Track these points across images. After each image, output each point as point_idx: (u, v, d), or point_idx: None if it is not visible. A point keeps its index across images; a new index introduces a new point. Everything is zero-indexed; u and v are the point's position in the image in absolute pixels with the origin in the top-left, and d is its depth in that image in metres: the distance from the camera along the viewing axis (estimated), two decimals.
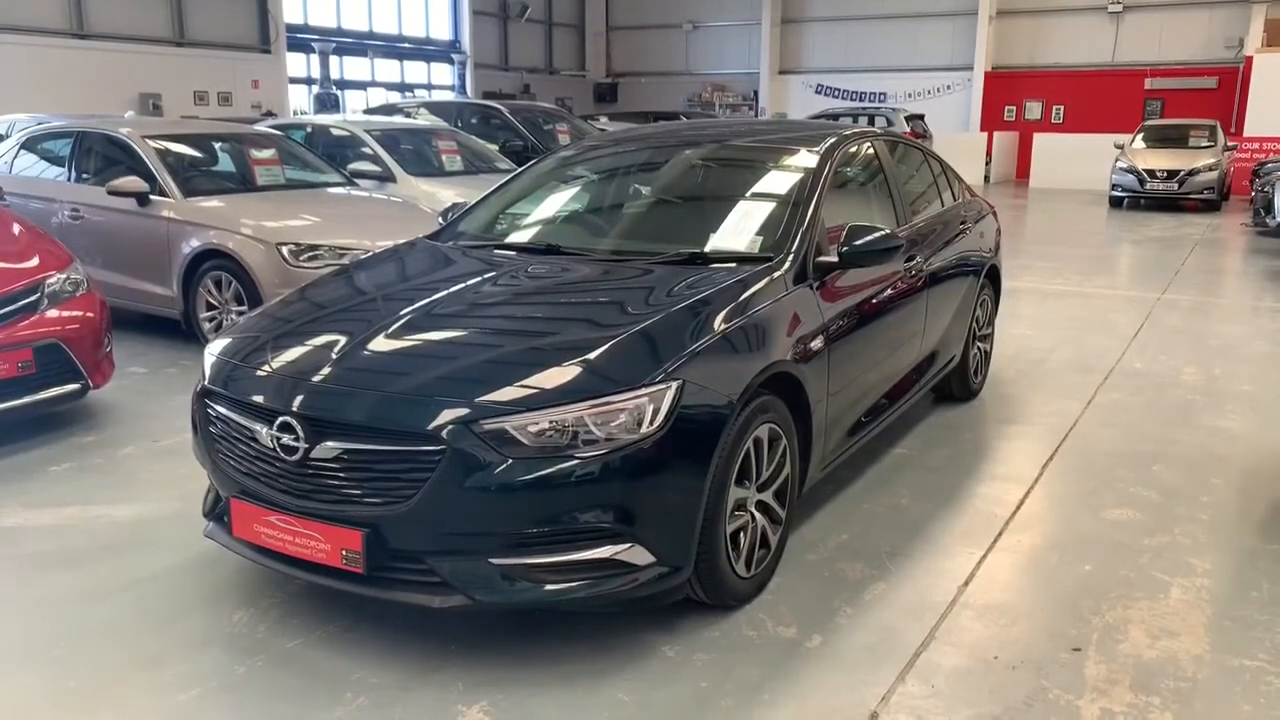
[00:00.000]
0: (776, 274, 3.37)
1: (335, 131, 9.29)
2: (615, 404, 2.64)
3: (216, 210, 6.43)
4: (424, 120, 10.84)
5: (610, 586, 2.69)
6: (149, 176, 6.54)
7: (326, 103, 20.81)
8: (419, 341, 3.01)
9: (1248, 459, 4.58)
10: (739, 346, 3.03)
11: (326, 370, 2.84)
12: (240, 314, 6.14)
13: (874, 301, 3.88)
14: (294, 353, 3.01)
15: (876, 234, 3.57)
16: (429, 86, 25.59)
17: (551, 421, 2.60)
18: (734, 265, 3.43)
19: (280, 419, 2.75)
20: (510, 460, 2.58)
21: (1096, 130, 21.66)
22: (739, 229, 3.71)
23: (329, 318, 3.31)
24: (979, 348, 5.42)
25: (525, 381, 2.71)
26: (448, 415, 2.61)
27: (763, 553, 3.18)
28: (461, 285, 3.37)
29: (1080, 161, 20.82)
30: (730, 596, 3.06)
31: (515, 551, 2.65)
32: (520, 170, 4.57)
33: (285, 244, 6.06)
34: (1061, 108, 24.40)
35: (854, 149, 4.26)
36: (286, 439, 2.73)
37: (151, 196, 6.48)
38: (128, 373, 5.89)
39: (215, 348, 3.21)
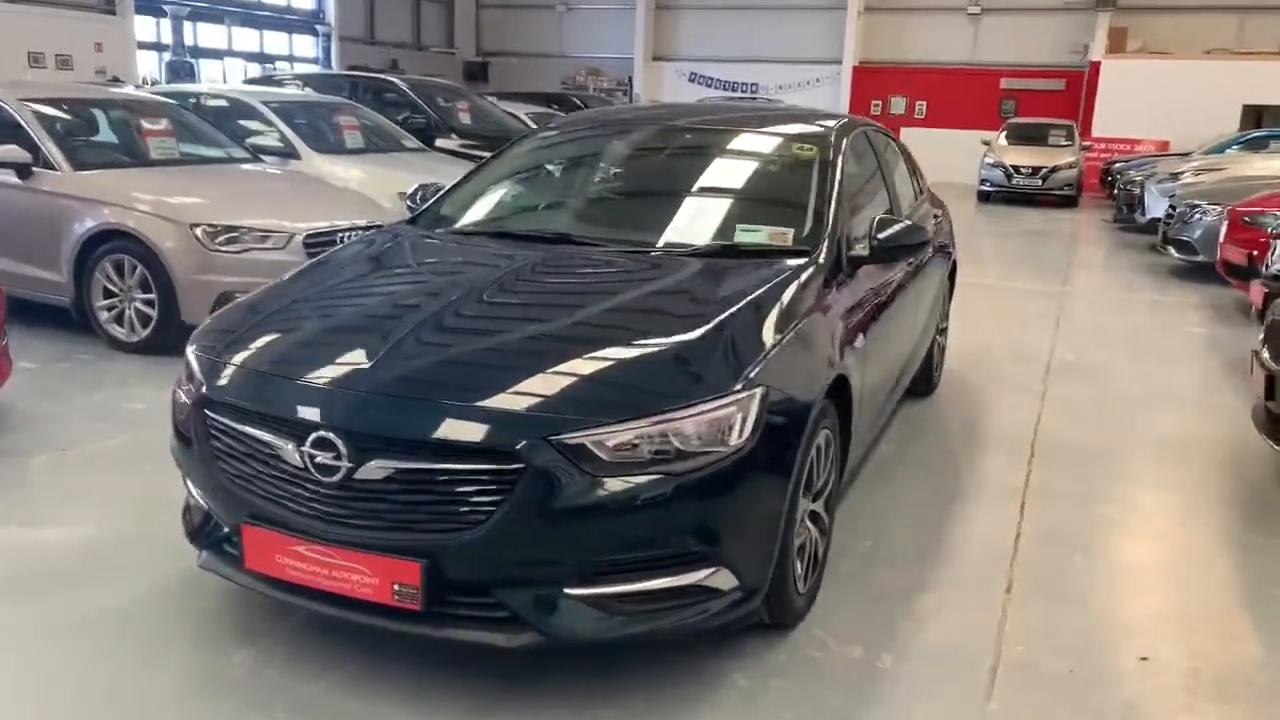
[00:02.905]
0: (818, 269, 3.18)
1: (223, 102, 8.53)
2: (703, 414, 2.38)
3: (114, 186, 5.73)
4: (310, 95, 10.12)
5: (693, 615, 2.45)
6: (31, 146, 5.78)
7: (180, 72, 19.37)
8: (465, 344, 2.66)
9: (1212, 449, 4.72)
10: (806, 348, 2.83)
11: (369, 377, 2.46)
12: (149, 302, 5.51)
13: (889, 294, 3.76)
14: (320, 356, 2.61)
15: (904, 226, 3.45)
16: (290, 59, 24.22)
17: (636, 435, 2.33)
18: (770, 259, 3.22)
19: (315, 434, 2.36)
20: (593, 478, 2.29)
21: (956, 126, 22.58)
22: (765, 220, 3.49)
23: (342, 315, 2.91)
24: (937, 340, 5.41)
25: (602, 390, 2.43)
26: (527, 429, 2.30)
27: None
28: (485, 279, 3.01)
29: (944, 155, 21.46)
30: (791, 615, 2.86)
31: (594, 580, 2.36)
32: (498, 152, 4.21)
33: (199, 224, 5.46)
34: (924, 103, 25.25)
35: (857, 138, 4.11)
36: (323, 457, 2.35)
37: (34, 169, 5.73)
38: (15, 368, 5.19)
39: (209, 347, 2.77)
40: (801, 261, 3.19)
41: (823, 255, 3.26)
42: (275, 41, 24.02)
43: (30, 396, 4.86)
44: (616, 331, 2.70)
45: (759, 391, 2.49)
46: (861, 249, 3.41)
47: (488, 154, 9.25)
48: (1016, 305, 8.30)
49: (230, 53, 22.55)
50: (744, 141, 4.03)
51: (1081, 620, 3.08)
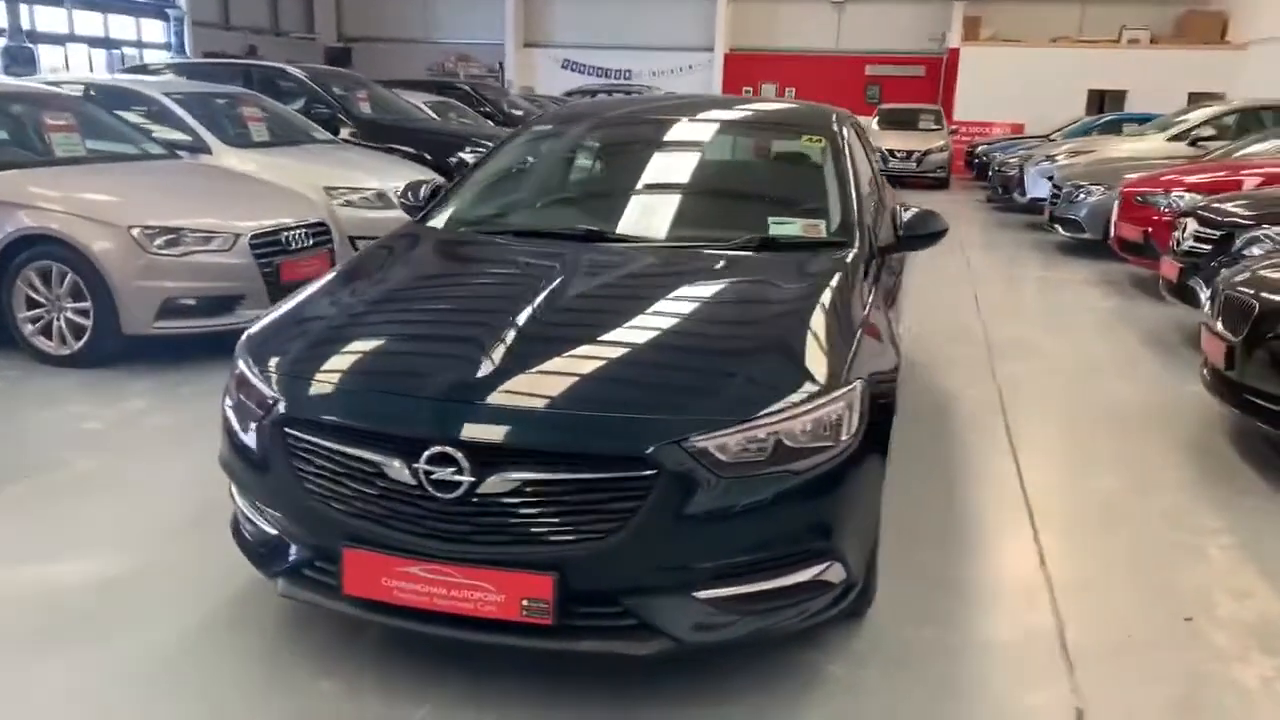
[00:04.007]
0: (862, 259, 3.25)
1: (110, 92, 7.93)
2: (820, 410, 2.40)
3: (26, 187, 5.27)
4: (208, 85, 9.53)
5: (809, 611, 2.47)
6: None
7: (20, 58, 17.91)
8: (564, 349, 2.58)
9: (1173, 415, 5.05)
10: (878, 337, 2.88)
11: (483, 388, 2.36)
12: (81, 312, 5.11)
13: (896, 281, 3.86)
14: (418, 368, 2.49)
15: (925, 215, 3.55)
16: (139, 45, 22.78)
17: (762, 433, 2.32)
18: (812, 251, 3.27)
19: (432, 450, 2.26)
20: (722, 479, 2.28)
21: None
22: (789, 211, 3.52)
23: (417, 323, 2.77)
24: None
25: (723, 391, 2.41)
26: (658, 433, 2.26)
27: None
28: (548, 281, 2.91)
29: None
30: (867, 602, 2.92)
31: (721, 583, 2.35)
32: (498, 146, 4.08)
33: (137, 227, 5.09)
34: (793, 89, 25.83)
35: (850, 125, 4.19)
36: (441, 473, 2.25)
37: None
38: None
39: (280, 362, 2.59)
40: (849, 253, 3.25)
41: (863, 245, 3.32)
42: (121, 26, 22.53)
43: None
44: (710, 329, 2.68)
45: (859, 384, 2.52)
46: (887, 237, 3.49)
47: (405, 147, 9.10)
48: (931, 286, 8.62)
49: (72, 38, 21.02)
50: (753, 133, 4.05)
51: (1120, 589, 3.25)
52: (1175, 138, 11.90)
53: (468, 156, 9.32)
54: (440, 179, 3.99)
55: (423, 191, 3.88)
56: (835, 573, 2.48)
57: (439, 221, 3.64)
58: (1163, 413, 5.10)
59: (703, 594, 2.34)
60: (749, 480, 2.30)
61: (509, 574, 2.26)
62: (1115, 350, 6.51)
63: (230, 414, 2.69)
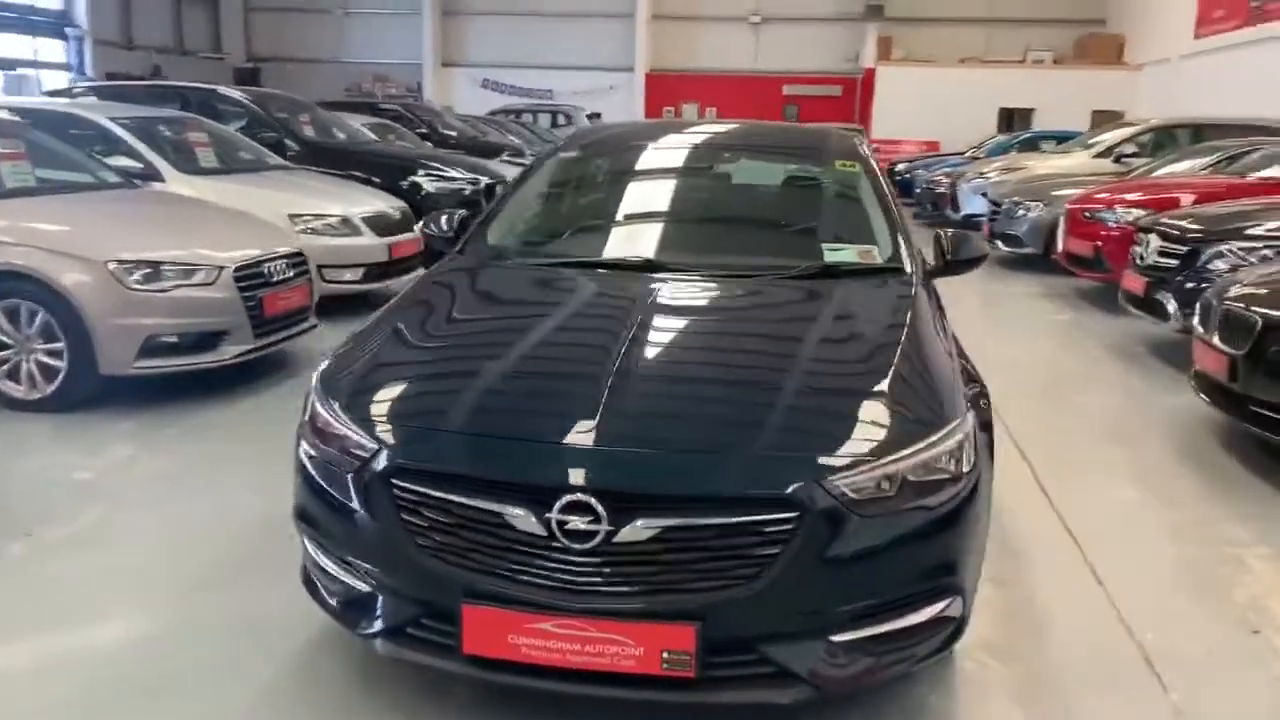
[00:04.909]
0: (923, 285, 3.25)
1: (47, 117, 7.51)
2: (947, 444, 2.37)
3: None
4: (151, 110, 9.10)
5: (932, 647, 2.43)
6: None
7: None
8: (680, 389, 2.50)
9: (1165, 425, 5.20)
10: (963, 364, 2.88)
11: (612, 432, 2.26)
12: (54, 353, 4.78)
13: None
14: (536, 412, 2.37)
15: (973, 240, 3.59)
16: (35, 64, 21.79)
17: (896, 470, 2.28)
18: (873, 277, 3.26)
19: (566, 498, 2.15)
20: (861, 518, 2.23)
21: None
22: (845, 238, 3.51)
23: (511, 364, 2.63)
24: None
25: (853, 428, 2.36)
26: (800, 474, 2.20)
27: None
28: (630, 315, 2.81)
29: None
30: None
31: (857, 624, 2.29)
32: (523, 175, 3.97)
33: (113, 260, 4.80)
34: (714, 109, 26.19)
35: (867, 149, 4.22)
36: (576, 522, 2.14)
37: None
38: None
39: (371, 406, 2.45)
40: (913, 279, 3.25)
41: (919, 271, 3.33)
42: (16, 45, 21.53)
43: None
44: (813, 365, 2.63)
45: (971, 415, 2.51)
46: (936, 263, 3.51)
47: (357, 170, 8.82)
48: None
49: None
50: (788, 157, 4.03)
51: (1181, 603, 3.31)
52: (1100, 155, 12.40)
53: (422, 180, 9.14)
54: (461, 210, 3.84)
55: (450, 222, 3.74)
56: (956, 608, 2.45)
57: (479, 253, 3.51)
58: (1154, 424, 5.25)
59: (839, 637, 2.28)
60: (885, 518, 2.26)
61: (648, 626, 2.17)
62: (1086, 362, 6.70)
63: (308, 464, 2.53)
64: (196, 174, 7.17)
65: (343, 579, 2.48)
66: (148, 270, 4.89)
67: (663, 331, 2.79)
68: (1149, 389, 5.99)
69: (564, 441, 2.27)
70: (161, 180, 6.94)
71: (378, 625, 2.41)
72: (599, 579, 2.18)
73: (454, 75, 26.63)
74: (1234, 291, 4.68)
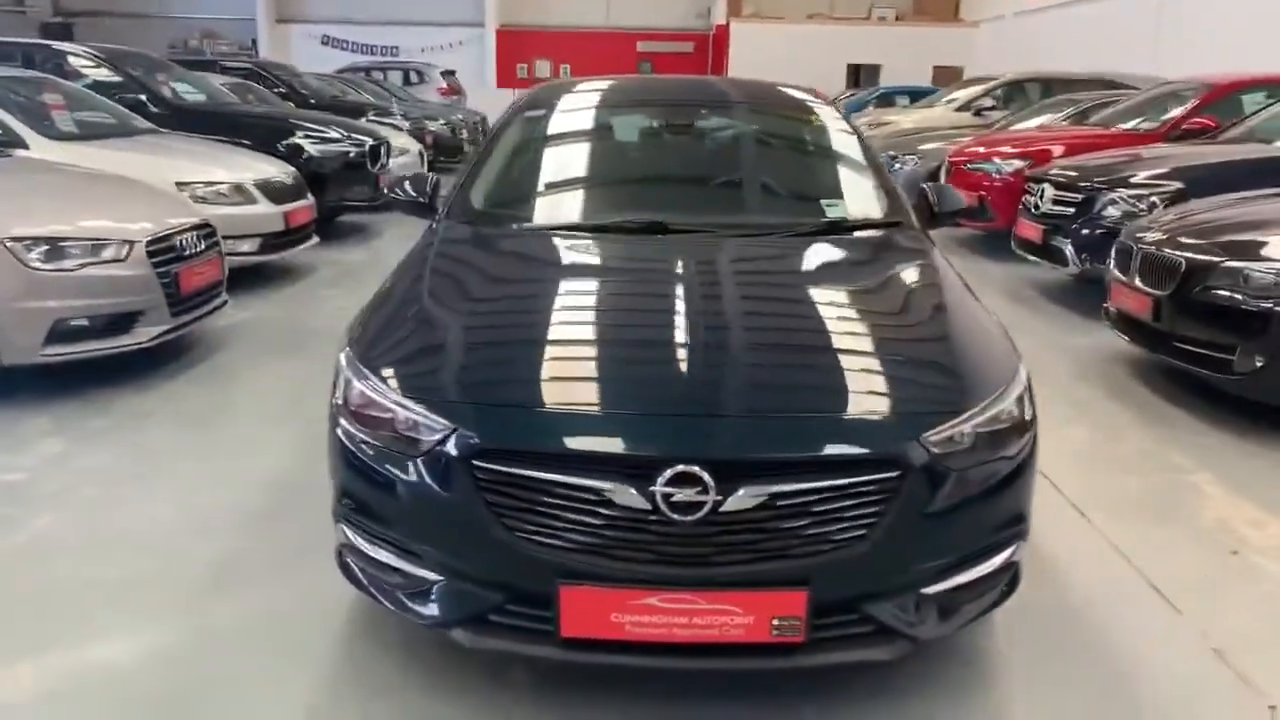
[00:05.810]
0: (926, 238, 3.31)
1: None
2: (1015, 394, 2.44)
3: None
4: None
5: (1001, 592, 2.50)
6: None
7: None
8: (759, 354, 2.45)
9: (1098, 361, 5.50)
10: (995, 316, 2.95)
11: (712, 400, 2.20)
12: None
13: None
14: (625, 383, 2.28)
15: (945, 189, 3.67)
16: None
17: (980, 423, 2.32)
18: (880, 231, 3.30)
19: (673, 470, 2.07)
20: (955, 472, 2.25)
21: None
22: (844, 193, 3.53)
23: (573, 333, 2.51)
24: None
25: (938, 383, 2.41)
26: (900, 432, 2.21)
27: None
28: (675, 278, 2.75)
29: None
30: None
31: (945, 575, 2.33)
32: (493, 136, 3.76)
33: (8, 238, 4.32)
34: (567, 66, 25.87)
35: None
36: (682, 494, 2.08)
37: None
38: None
39: (437, 385, 2.30)
40: (916, 234, 3.31)
41: (923, 224, 3.39)
42: None
43: None
44: (876, 322, 2.65)
45: (1022, 365, 2.58)
46: (924, 216, 3.58)
47: (227, 134, 8.23)
48: None
49: None
50: (768, 112, 4.01)
51: (1160, 529, 3.52)
52: (960, 109, 12.95)
53: (303, 142, 8.63)
54: (428, 172, 3.63)
55: (422, 185, 3.53)
56: (1021, 552, 2.52)
57: (469, 218, 3.33)
58: (1071, 364, 5.56)
59: (930, 589, 2.31)
60: (974, 469, 2.29)
61: (758, 594, 2.14)
62: (1002, 308, 7.00)
63: (354, 449, 2.35)
64: (64, 140, 6.52)
65: (406, 570, 2.33)
66: (47, 248, 4.42)
67: (716, 297, 2.74)
68: (1055, 330, 6.33)
69: (667, 413, 2.19)
70: (25, 147, 6.27)
71: (455, 615, 2.28)
72: (706, 550, 2.12)
73: (291, 32, 25.22)
74: (1151, 236, 4.98)
